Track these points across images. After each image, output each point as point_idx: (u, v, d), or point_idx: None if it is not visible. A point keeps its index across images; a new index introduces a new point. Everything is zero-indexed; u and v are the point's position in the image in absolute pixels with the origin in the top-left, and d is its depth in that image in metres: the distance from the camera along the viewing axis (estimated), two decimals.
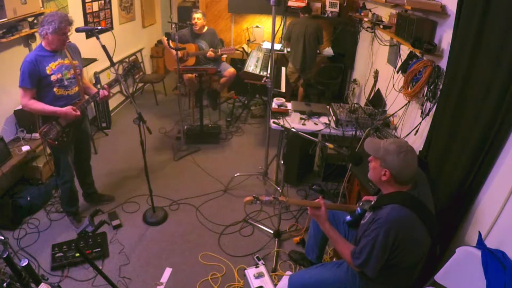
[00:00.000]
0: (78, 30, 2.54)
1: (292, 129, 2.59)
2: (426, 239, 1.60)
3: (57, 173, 2.77)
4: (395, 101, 3.22)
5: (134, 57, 5.49)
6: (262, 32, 5.80)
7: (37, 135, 3.11)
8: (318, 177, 3.67)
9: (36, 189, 3.07)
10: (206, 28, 4.48)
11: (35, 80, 2.36)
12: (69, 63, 2.50)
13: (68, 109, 2.47)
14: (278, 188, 3.24)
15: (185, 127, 4.31)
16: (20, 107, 3.03)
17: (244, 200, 1.97)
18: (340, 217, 2.13)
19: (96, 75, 4.35)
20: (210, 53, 4.29)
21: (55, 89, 2.44)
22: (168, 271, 2.53)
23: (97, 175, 3.50)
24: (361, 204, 1.88)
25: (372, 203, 1.76)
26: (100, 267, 2.10)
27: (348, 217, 1.93)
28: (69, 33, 2.41)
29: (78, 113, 2.52)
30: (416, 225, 1.56)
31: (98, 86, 4.21)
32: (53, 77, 2.41)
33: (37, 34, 3.16)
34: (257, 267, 2.17)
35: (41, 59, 2.36)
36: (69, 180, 2.75)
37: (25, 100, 2.40)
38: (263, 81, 3.17)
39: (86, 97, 2.64)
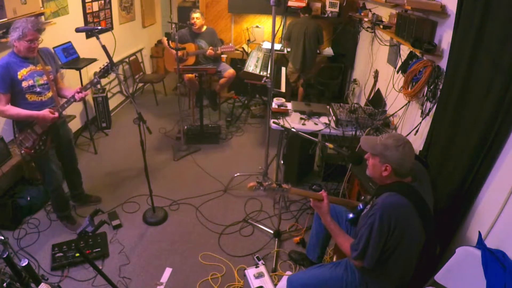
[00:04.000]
0: (78, 30, 2.54)
1: (292, 129, 2.59)
2: (420, 231, 1.61)
3: (43, 181, 2.75)
4: (395, 101, 3.22)
5: (134, 57, 5.49)
6: (262, 32, 5.80)
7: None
8: (318, 177, 3.66)
9: (36, 189, 3.06)
10: (205, 27, 4.48)
11: (7, 84, 2.29)
12: (41, 69, 2.44)
13: (45, 112, 2.40)
14: None
15: (185, 127, 4.31)
16: None
17: (248, 186, 1.96)
18: (343, 216, 2.14)
19: (96, 75, 4.33)
20: (209, 51, 4.29)
21: (27, 96, 2.38)
22: (168, 271, 2.53)
23: (97, 175, 3.51)
24: (362, 198, 1.89)
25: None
26: (100, 267, 2.10)
27: (351, 215, 1.93)
28: (39, 40, 2.33)
29: (56, 115, 2.44)
30: (411, 213, 1.57)
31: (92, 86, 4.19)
32: (24, 84, 2.34)
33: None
34: (257, 267, 2.17)
35: (12, 64, 2.31)
36: (57, 187, 2.71)
37: (0, 106, 2.31)
38: (263, 81, 3.16)
39: (62, 101, 2.55)
